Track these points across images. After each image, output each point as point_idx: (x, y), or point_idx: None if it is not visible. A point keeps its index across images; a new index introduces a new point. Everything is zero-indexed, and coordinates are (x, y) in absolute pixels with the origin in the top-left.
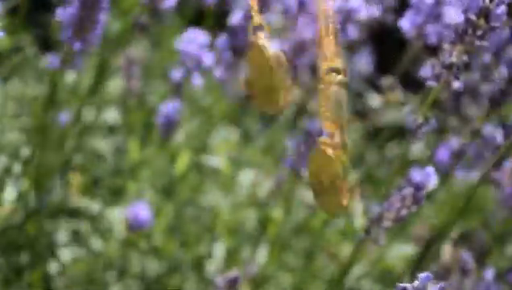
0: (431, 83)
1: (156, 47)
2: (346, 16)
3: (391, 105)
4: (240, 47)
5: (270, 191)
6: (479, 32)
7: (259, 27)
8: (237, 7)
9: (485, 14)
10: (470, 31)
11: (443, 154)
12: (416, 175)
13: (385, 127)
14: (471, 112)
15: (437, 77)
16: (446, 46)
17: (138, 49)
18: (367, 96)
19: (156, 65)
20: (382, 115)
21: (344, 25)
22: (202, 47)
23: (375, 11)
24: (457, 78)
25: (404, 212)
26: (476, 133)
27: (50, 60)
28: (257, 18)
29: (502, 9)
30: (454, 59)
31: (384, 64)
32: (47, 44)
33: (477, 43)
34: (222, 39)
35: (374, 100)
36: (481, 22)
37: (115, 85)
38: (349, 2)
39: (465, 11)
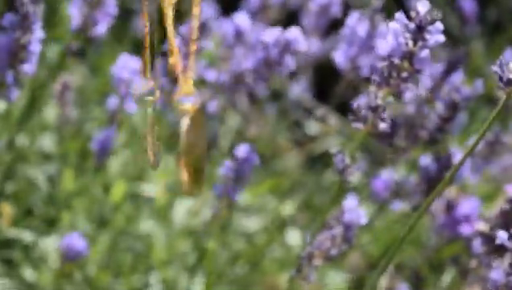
0: (357, 125)
1: (94, 74)
2: (284, 47)
3: (328, 133)
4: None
5: (206, 220)
6: (404, 75)
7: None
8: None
9: (410, 57)
10: (395, 74)
11: (379, 183)
12: (347, 214)
13: (322, 155)
14: (407, 143)
15: (363, 119)
16: (371, 88)
17: (75, 76)
18: (304, 124)
19: (93, 92)
20: (319, 143)
21: (282, 56)
22: (134, 72)
23: (314, 43)
24: (383, 120)
25: (334, 251)
26: (412, 164)
27: None
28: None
29: (426, 52)
30: (379, 101)
31: (322, 93)
32: None
33: (402, 85)
34: (159, 65)
35: (312, 128)
36: (406, 65)
37: (51, 112)
38: (287, 33)
39: (389, 55)
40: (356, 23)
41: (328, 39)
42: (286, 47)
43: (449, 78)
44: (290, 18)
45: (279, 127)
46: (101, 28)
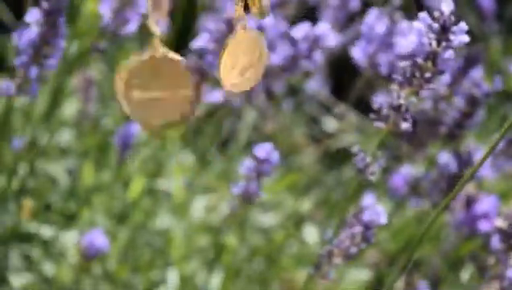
0: (378, 124)
1: (112, 70)
2: (313, 43)
3: (345, 130)
4: (204, 71)
5: (224, 216)
6: (427, 75)
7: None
8: (202, 31)
9: (433, 57)
10: (418, 74)
11: (397, 179)
12: (367, 213)
13: (338, 151)
14: (426, 139)
15: (385, 119)
16: (394, 87)
17: (94, 72)
18: (322, 120)
19: (112, 89)
20: (336, 139)
21: (311, 52)
22: None
23: (338, 38)
24: (405, 120)
25: (354, 250)
26: (431, 160)
27: (4, 86)
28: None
29: (450, 53)
30: (402, 101)
31: (338, 87)
32: (1, 68)
33: (425, 85)
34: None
35: (329, 124)
36: (429, 65)
37: (71, 108)
38: (317, 28)
39: (413, 55)
40: (374, 20)
41: (346, 33)
42: (316, 43)
43: (468, 74)
44: (307, 14)
45: (296, 123)
46: (132, 27)
